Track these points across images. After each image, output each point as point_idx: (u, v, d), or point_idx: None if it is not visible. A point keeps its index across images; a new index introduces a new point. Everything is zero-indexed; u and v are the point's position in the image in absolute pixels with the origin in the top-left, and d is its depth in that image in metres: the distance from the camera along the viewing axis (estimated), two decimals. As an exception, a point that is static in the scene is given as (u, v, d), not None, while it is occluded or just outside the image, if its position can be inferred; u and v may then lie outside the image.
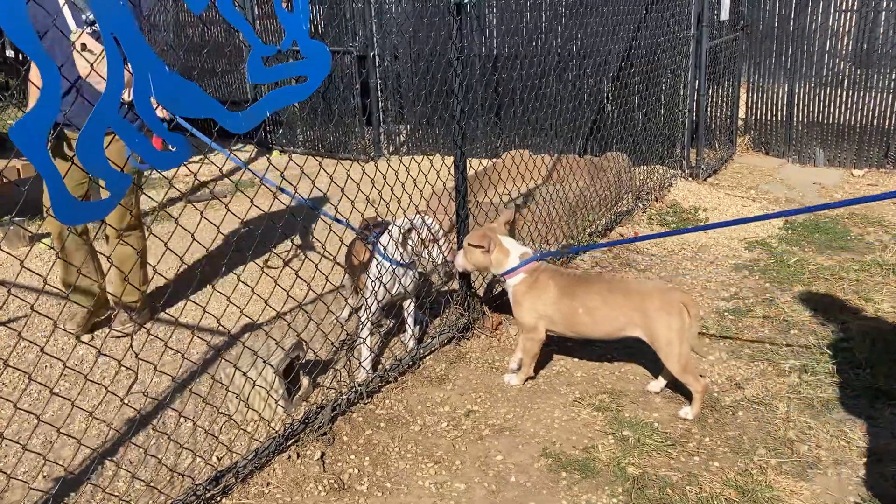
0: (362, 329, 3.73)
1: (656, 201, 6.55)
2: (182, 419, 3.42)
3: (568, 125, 7.14)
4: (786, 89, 8.11)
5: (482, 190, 5.80)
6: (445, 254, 3.66)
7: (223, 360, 3.52)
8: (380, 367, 3.82)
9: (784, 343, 4.14)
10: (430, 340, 4.01)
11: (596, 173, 6.32)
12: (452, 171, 3.96)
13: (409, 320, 3.95)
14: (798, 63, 7.94)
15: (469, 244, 3.63)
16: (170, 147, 2.39)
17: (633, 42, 6.61)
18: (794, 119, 8.13)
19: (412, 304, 3.93)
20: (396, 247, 3.60)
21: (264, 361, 3.29)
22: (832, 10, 7.68)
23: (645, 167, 6.84)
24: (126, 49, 2.20)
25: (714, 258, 5.50)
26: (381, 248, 3.64)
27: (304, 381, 3.54)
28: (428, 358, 3.96)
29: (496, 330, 4.23)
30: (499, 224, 3.71)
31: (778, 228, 6.05)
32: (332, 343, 4.00)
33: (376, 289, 3.65)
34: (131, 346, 3.94)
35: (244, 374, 3.24)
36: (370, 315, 3.70)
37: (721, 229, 6.04)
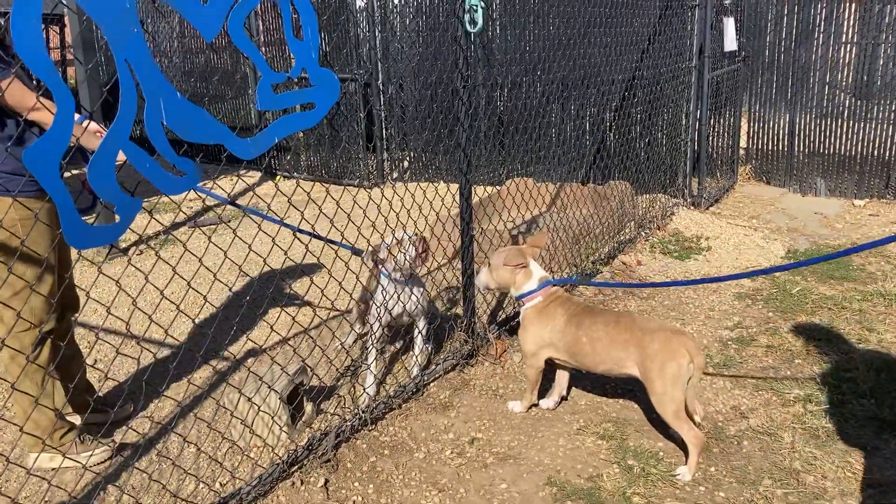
0: (368, 353, 3.73)
1: (658, 230, 6.57)
2: (186, 444, 3.41)
3: (571, 153, 7.20)
4: (787, 119, 8.18)
5: (486, 217, 5.83)
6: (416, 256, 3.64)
7: (228, 385, 3.51)
8: (384, 393, 3.80)
9: (788, 373, 4.13)
10: (434, 367, 4.01)
11: (599, 201, 6.36)
12: (457, 198, 3.99)
13: (417, 344, 3.94)
14: (799, 94, 8.01)
15: (504, 263, 3.59)
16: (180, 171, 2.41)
17: (636, 72, 6.69)
18: (796, 149, 8.18)
19: (425, 328, 3.92)
20: (393, 260, 3.62)
21: (269, 387, 3.28)
22: (832, 43, 7.77)
23: (647, 195, 6.89)
24: (139, 75, 2.24)
25: (717, 287, 5.51)
26: (383, 268, 3.69)
27: (308, 407, 3.54)
28: (432, 385, 3.96)
29: (500, 357, 4.23)
30: (527, 246, 3.70)
31: (780, 258, 6.06)
32: (337, 369, 4.00)
33: (381, 314, 3.67)
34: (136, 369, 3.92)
35: (248, 399, 3.23)
36: (375, 337, 3.71)
37: (723, 259, 6.06)
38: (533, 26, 7.63)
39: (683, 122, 7.25)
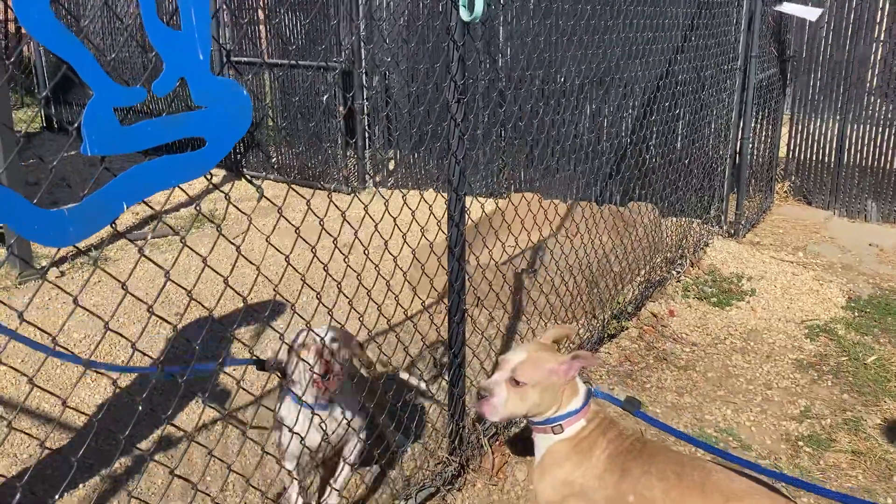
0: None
1: (692, 266, 5.40)
2: None
3: (586, 166, 6.01)
4: (835, 130, 6.98)
5: (484, 246, 4.64)
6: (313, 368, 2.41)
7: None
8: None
9: (889, 500, 3.02)
10: (401, 503, 2.78)
11: (623, 229, 5.18)
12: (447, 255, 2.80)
13: (335, 485, 2.68)
14: (852, 100, 6.82)
15: (559, 369, 2.33)
16: None
17: (667, 75, 5.48)
18: (844, 164, 6.99)
19: (354, 457, 2.67)
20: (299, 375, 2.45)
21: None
22: (890, 38, 6.57)
23: (675, 219, 5.67)
24: None
25: (770, 350, 4.37)
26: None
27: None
28: (399, 529, 2.78)
29: (498, 473, 3.06)
30: (546, 341, 2.49)
31: (841, 308, 4.92)
32: None
33: (291, 451, 2.50)
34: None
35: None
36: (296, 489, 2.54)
37: (772, 307, 4.91)
38: (545, 15, 6.41)
39: (723, 134, 6.05)
